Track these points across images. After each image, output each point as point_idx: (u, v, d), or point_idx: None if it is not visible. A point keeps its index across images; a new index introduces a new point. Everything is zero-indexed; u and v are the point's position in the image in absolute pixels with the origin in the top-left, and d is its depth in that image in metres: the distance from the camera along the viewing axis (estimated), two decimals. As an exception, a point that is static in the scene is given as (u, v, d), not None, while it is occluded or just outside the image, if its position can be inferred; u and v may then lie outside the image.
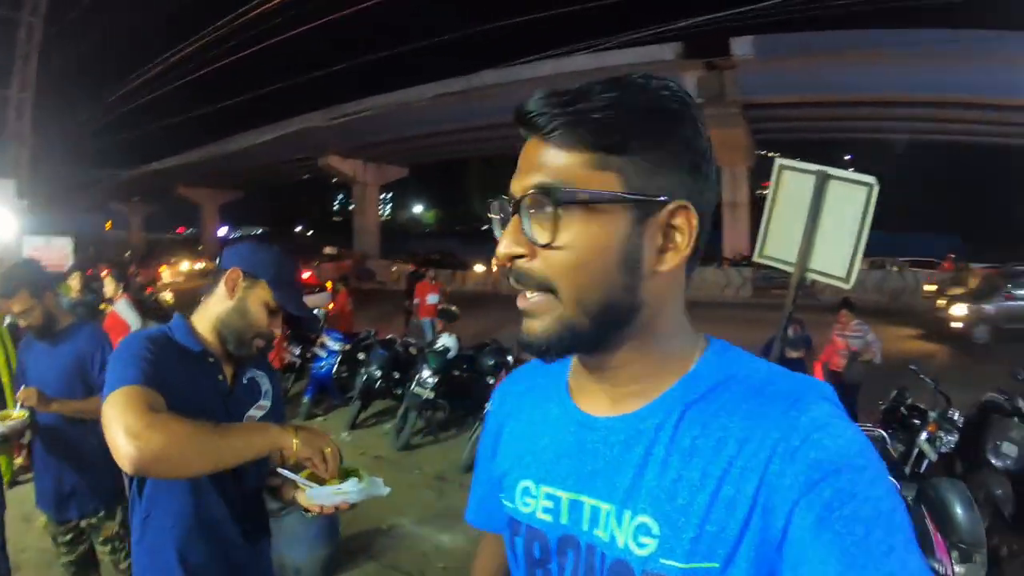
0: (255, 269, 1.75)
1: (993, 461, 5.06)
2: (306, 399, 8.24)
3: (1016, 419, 5.12)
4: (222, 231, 61.24)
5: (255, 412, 1.82)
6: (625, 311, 0.77)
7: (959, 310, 15.22)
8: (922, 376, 5.59)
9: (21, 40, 18.79)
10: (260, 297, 1.74)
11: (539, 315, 0.77)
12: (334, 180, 57.13)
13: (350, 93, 33.06)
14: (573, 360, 0.91)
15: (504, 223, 0.80)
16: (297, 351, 9.11)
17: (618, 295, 0.76)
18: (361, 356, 8.37)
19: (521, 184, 0.76)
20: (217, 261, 1.85)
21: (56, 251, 15.12)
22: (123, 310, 6.06)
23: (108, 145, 38.31)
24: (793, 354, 7.17)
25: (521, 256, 0.77)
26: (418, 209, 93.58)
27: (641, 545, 0.75)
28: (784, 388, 0.76)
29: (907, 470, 4.64)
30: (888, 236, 27.07)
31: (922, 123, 28.01)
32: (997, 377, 6.02)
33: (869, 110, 26.90)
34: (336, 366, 8.33)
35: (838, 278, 3.95)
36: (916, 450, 4.89)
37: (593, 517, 0.81)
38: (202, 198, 54.38)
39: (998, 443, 5.09)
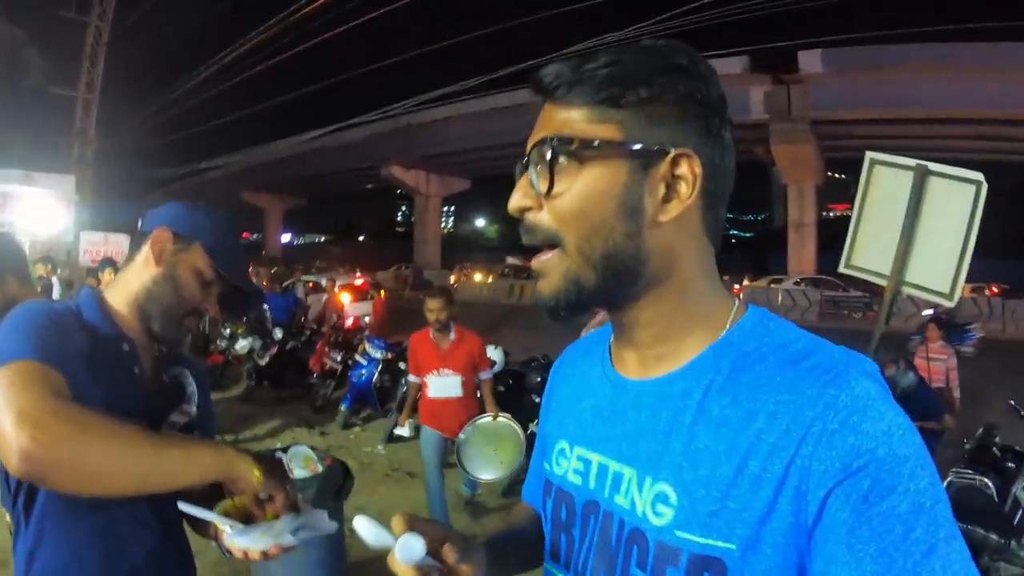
0: (188, 231, 1.40)
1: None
2: (344, 407, 7.97)
3: None
4: (285, 237, 62.20)
5: (177, 418, 1.42)
6: (629, 261, 0.76)
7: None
8: (1022, 413, 4.94)
9: (89, 43, 19.47)
10: (193, 264, 1.39)
11: (548, 273, 0.79)
12: (398, 191, 57.59)
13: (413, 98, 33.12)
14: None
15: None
16: (338, 357, 8.83)
17: (620, 243, 0.76)
18: (403, 365, 7.99)
19: (531, 142, 0.79)
20: (139, 224, 1.46)
21: (112, 246, 15.75)
22: None
23: (169, 144, 39.26)
24: (934, 426, 5.44)
25: (530, 209, 0.79)
26: (480, 222, 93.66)
27: (658, 514, 0.74)
28: (823, 362, 0.72)
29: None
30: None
31: (996, 142, 26.61)
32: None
33: (941, 127, 25.67)
34: (377, 375, 8.01)
35: (940, 293, 3.39)
36: (1010, 499, 4.28)
37: (615, 482, 0.80)
38: (266, 204, 54.80)
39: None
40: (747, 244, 79.31)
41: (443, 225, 56.87)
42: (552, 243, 0.77)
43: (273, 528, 1.17)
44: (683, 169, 0.75)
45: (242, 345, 9.40)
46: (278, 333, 9.55)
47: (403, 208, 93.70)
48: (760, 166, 37.21)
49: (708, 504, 0.70)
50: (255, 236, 70.69)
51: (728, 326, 0.79)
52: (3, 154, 18.14)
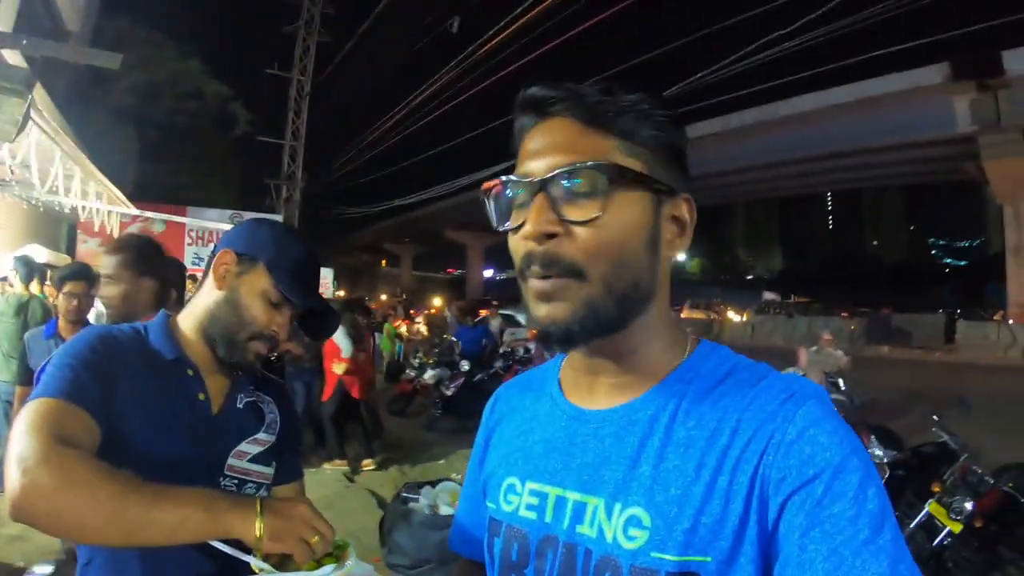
0: (251, 250, 1.33)
1: None
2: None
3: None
4: (488, 273, 63.64)
5: (248, 447, 1.34)
6: (646, 294, 0.79)
7: None
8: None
9: (292, 95, 21.87)
10: (257, 285, 1.31)
11: (564, 299, 0.75)
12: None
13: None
14: (568, 355, 0.90)
15: (512, 205, 0.81)
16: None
17: (644, 277, 0.78)
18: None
19: (549, 163, 0.76)
20: (212, 248, 1.42)
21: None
22: (338, 336, 6.45)
23: (371, 183, 41.25)
24: None
25: (553, 235, 0.75)
26: (679, 257, 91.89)
27: (631, 538, 0.74)
28: (777, 383, 0.76)
29: None
30: None
31: None
32: None
33: None
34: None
35: None
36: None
37: (577, 514, 0.79)
38: (468, 241, 56.02)
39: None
40: (959, 274, 72.55)
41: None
42: (573, 273, 0.75)
43: None
44: (683, 211, 0.82)
45: (430, 375, 9.72)
46: (465, 365, 9.81)
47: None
48: (970, 185, 33.91)
49: (682, 522, 0.71)
50: (458, 272, 73.21)
51: (686, 355, 0.83)
52: (216, 196, 20.37)
